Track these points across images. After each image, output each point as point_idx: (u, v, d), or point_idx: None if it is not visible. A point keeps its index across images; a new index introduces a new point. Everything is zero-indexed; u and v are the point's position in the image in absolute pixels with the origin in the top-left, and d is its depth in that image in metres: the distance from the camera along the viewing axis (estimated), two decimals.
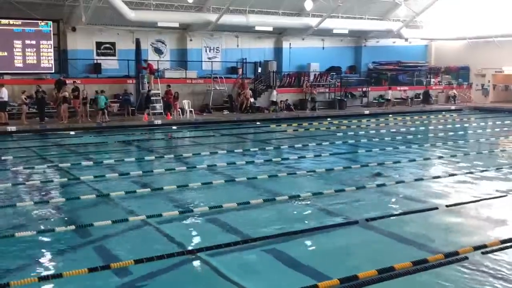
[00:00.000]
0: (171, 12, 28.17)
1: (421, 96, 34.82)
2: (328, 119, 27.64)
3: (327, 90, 32.19)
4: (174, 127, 23.74)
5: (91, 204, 10.50)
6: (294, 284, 6.39)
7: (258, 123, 25.89)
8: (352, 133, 22.16)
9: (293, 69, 33.48)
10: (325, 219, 9.41)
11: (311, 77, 32.24)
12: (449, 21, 35.87)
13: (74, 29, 27.43)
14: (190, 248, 7.82)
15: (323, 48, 35.38)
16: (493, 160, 16.00)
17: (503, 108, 33.21)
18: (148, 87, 25.81)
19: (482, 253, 7.59)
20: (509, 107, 33.09)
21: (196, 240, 8.32)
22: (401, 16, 33.48)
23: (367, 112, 30.53)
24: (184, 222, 9.31)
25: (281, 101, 29.74)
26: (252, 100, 28.46)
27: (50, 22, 24.72)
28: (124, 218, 9.20)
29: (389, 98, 32.98)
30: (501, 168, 14.25)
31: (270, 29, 31.19)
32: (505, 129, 23.96)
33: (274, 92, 29.32)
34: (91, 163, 14.81)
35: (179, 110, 25.47)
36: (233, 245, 7.91)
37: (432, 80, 37.32)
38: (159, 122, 24.05)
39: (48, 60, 24.65)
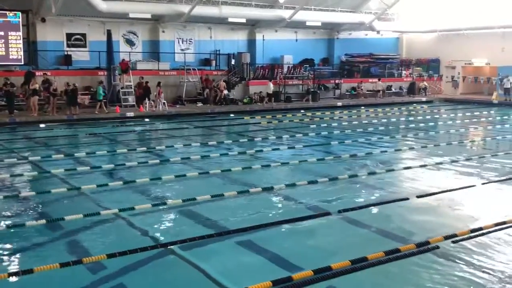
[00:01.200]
0: (143, 3, 27.86)
1: (405, 88, 36.09)
2: (302, 111, 27.76)
3: (300, 82, 32.28)
4: (146, 119, 23.52)
5: (62, 198, 10.33)
6: (268, 276, 6.40)
7: (232, 115, 25.85)
8: (325, 125, 22.31)
9: (266, 61, 33.48)
10: (299, 211, 9.46)
11: (285, 69, 32.30)
12: (420, 14, 36.34)
13: (43, 20, 26.88)
14: (163, 241, 7.78)
15: (296, 40, 35.44)
16: (463, 150, 16.29)
17: (472, 99, 33.85)
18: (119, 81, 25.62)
19: (453, 242, 7.73)
20: (478, 99, 33.75)
21: (170, 233, 8.27)
22: (373, 8, 33.76)
23: (340, 104, 30.75)
24: (157, 215, 9.25)
25: (254, 93, 29.74)
26: (226, 92, 28.38)
27: (19, 13, 24.17)
28: (96, 212, 9.09)
29: (379, 89, 33.83)
30: (471, 159, 14.54)
31: (243, 20, 31.11)
32: (474, 120, 24.42)
33: (271, 84, 29.41)
34: (62, 156, 14.59)
35: (152, 102, 25.26)
36: (207, 237, 7.90)
37: (404, 72, 37.78)
38: (131, 114, 23.80)
39: (17, 52, 24.11)
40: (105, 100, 24.65)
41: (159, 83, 25.84)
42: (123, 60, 26.98)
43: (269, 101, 29.05)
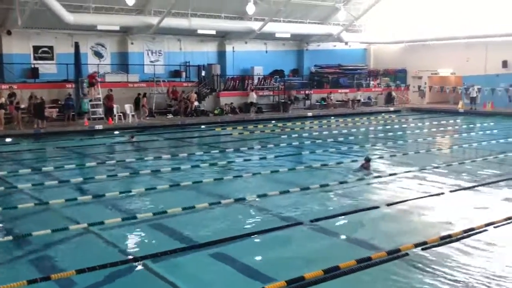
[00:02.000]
0: (111, 15, 27.63)
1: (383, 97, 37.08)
2: (273, 121, 27.86)
3: (271, 93, 32.44)
4: (116, 132, 23.26)
5: (29, 213, 10.11)
6: None
7: (203, 126, 25.77)
8: (296, 135, 22.44)
9: (236, 72, 33.56)
10: (271, 221, 9.45)
11: (255, 81, 32.43)
12: (387, 25, 36.98)
13: (9, 33, 26.45)
14: (134, 255, 7.67)
15: (266, 51, 35.65)
16: (431, 159, 16.55)
17: (439, 108, 34.52)
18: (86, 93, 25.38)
19: (422, 249, 7.83)
20: (444, 108, 34.44)
21: (141, 247, 8.17)
22: (341, 20, 34.23)
23: (310, 114, 30.98)
24: (128, 229, 9.12)
25: (225, 104, 29.75)
26: (196, 103, 28.32)
27: None
28: (65, 227, 8.91)
29: (359, 99, 34.54)
30: (438, 167, 14.79)
31: (213, 32, 31.15)
32: (441, 129, 24.89)
33: (254, 94, 29.67)
34: (29, 170, 14.29)
35: (121, 114, 25.06)
36: (179, 251, 7.82)
37: (372, 82, 38.35)
38: (100, 127, 23.51)
39: None
40: (73, 113, 24.35)
41: (144, 94, 26.54)
42: (93, 72, 26.64)
43: (253, 111, 29.62)
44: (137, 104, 26.05)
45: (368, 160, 14.26)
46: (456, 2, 33.09)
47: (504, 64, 32.28)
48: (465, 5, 32.61)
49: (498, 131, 23.95)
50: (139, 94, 26.60)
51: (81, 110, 24.74)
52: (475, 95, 32.46)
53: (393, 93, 36.97)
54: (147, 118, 26.07)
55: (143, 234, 8.92)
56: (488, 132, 23.77)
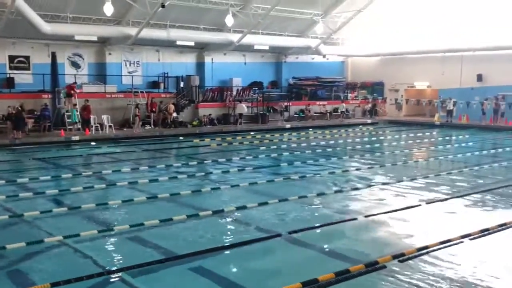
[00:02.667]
0: (89, 25, 27.47)
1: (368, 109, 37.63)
2: (251, 133, 27.88)
3: (249, 104, 32.50)
4: (93, 143, 23.00)
5: (3, 225, 9.91)
6: None
7: (181, 138, 25.65)
8: (275, 146, 22.47)
9: (215, 84, 33.56)
10: (249, 233, 9.43)
11: (234, 92, 32.48)
12: (364, 39, 37.46)
13: None
14: (110, 268, 7.56)
15: (245, 63, 35.75)
16: (408, 171, 16.74)
17: (415, 121, 34.97)
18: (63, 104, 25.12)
19: (399, 261, 7.87)
20: (421, 120, 34.89)
21: (117, 259, 8.05)
22: (319, 33, 34.53)
23: (288, 126, 31.10)
24: (104, 241, 9.00)
25: (204, 115, 29.70)
26: (175, 115, 28.20)
27: None
28: (40, 240, 8.75)
29: (343, 110, 35.24)
30: (415, 179, 14.94)
31: (192, 44, 31.14)
32: (418, 141, 25.18)
33: (243, 105, 30.18)
34: (3, 182, 14.01)
35: (98, 125, 24.84)
36: (156, 263, 7.73)
37: (349, 95, 38.70)
38: (76, 138, 23.24)
39: None
40: (49, 124, 24.04)
41: (137, 104, 26.60)
42: (72, 83, 26.31)
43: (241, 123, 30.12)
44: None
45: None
46: (432, 17, 33.70)
47: (479, 77, 32.88)
48: (441, 20, 33.23)
49: (473, 143, 24.35)
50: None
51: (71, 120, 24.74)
52: (451, 108, 32.97)
53: (367, 106, 37.47)
54: (140, 129, 26.20)
55: (119, 247, 8.81)
56: (463, 144, 24.13)
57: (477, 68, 32.73)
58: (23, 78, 27.32)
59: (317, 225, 10.00)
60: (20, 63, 27.58)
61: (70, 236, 8.92)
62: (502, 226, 9.80)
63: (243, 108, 30.50)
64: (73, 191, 13.03)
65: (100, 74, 29.84)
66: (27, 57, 27.77)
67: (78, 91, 26.12)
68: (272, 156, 19.66)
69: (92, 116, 24.90)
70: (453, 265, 7.84)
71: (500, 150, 22.17)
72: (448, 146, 23.63)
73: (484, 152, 21.39)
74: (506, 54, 31.06)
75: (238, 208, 11.08)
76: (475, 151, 21.20)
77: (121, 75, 30.44)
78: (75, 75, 28.26)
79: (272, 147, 22.33)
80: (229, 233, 9.64)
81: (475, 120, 32.08)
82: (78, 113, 24.89)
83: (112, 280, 7.19)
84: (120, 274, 7.29)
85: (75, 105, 25.03)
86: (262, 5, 30.05)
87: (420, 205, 11.75)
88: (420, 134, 28.12)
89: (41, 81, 26.35)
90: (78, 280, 6.94)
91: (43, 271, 7.55)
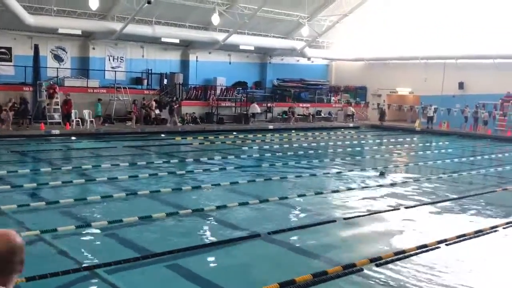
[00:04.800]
0: (73, 19, 27.20)
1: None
2: (234, 133, 27.85)
3: (233, 104, 32.47)
4: (73, 138, 22.76)
5: None
6: None
7: (163, 135, 25.51)
8: (257, 147, 22.47)
9: (199, 82, 33.47)
10: (228, 233, 9.41)
11: (218, 91, 32.40)
12: (349, 43, 37.69)
13: None
14: (87, 264, 7.48)
15: (230, 63, 35.74)
16: (388, 175, 16.83)
17: (396, 126, 35.26)
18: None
19: (376, 265, 7.91)
20: (402, 126, 35.20)
21: (94, 255, 7.96)
22: (305, 36, 34.66)
23: (271, 127, 31.13)
24: (81, 237, 8.90)
25: (187, 113, 29.59)
26: (157, 112, 28.05)
27: None
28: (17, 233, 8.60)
29: (349, 113, 35.90)
30: (395, 183, 15.06)
31: (177, 41, 31.04)
32: (398, 146, 25.41)
33: (257, 105, 30.92)
34: None
35: (79, 119, 24.61)
36: (133, 260, 7.67)
37: (332, 98, 38.88)
38: (57, 132, 22.98)
39: None
40: (29, 117, 23.72)
41: (134, 101, 27.01)
42: (53, 84, 25.96)
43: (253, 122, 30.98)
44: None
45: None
46: (416, 24, 34.06)
47: (460, 85, 33.29)
48: (425, 27, 33.59)
49: (452, 150, 24.64)
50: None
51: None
52: (432, 115, 33.32)
53: (350, 110, 37.59)
54: (135, 125, 26.38)
55: (97, 243, 8.73)
56: (443, 151, 24.41)
57: (459, 76, 33.13)
58: (4, 70, 26.99)
59: (296, 226, 10.02)
60: (1, 54, 27.19)
61: (47, 231, 8.80)
62: (478, 233, 9.92)
63: (256, 108, 31.17)
64: (51, 185, 12.89)
65: (83, 68, 29.57)
66: (9, 49, 27.41)
67: (58, 91, 25.63)
68: (254, 156, 19.68)
69: (73, 111, 24.62)
70: (429, 269, 7.91)
71: (479, 157, 22.47)
72: (428, 152, 23.88)
73: (463, 159, 21.66)
74: (488, 63, 31.53)
75: (218, 208, 11.05)
76: (454, 158, 21.44)
77: (104, 70, 30.19)
78: (57, 68, 27.95)
79: (254, 147, 22.33)
80: (208, 232, 9.61)
81: (455, 127, 32.46)
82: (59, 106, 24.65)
83: (88, 276, 7.11)
84: (96, 270, 7.22)
85: (57, 103, 24.78)
86: (249, 5, 30.08)
87: (398, 209, 11.84)
88: (401, 139, 28.37)
89: (22, 73, 26.00)
90: (54, 276, 6.85)
91: None
